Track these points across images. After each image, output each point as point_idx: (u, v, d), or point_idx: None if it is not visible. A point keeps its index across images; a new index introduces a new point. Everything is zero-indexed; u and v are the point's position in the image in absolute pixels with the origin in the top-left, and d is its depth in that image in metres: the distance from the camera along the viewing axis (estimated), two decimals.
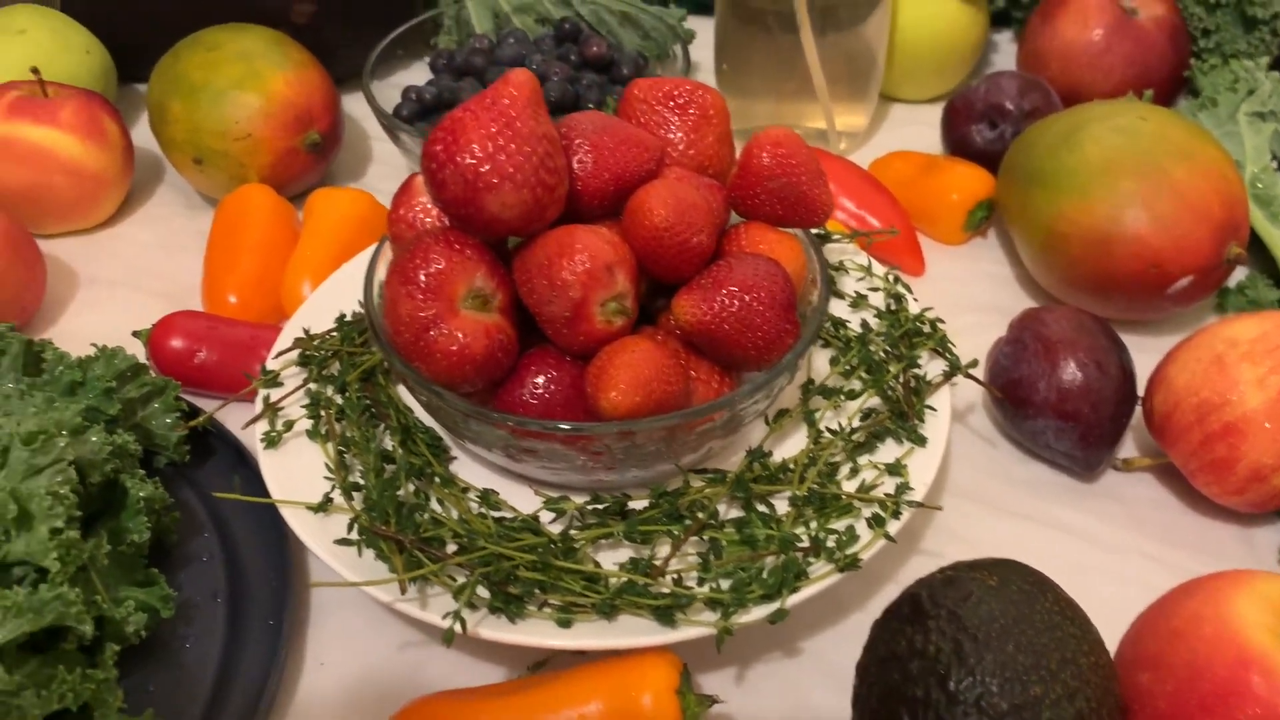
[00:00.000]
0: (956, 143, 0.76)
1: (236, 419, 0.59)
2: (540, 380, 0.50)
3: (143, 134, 0.82)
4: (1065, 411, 0.56)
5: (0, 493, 0.45)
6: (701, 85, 0.55)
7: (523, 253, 0.49)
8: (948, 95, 0.87)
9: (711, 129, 0.55)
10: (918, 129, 0.85)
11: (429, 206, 0.52)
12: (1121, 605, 0.49)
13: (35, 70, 0.73)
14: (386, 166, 0.83)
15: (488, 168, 0.46)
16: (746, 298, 0.48)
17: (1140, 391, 0.59)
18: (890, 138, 0.85)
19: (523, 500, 0.52)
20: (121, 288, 0.73)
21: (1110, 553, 0.56)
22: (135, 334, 0.64)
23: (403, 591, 0.46)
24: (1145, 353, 0.62)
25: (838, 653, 0.51)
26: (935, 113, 0.85)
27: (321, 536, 0.49)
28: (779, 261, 0.51)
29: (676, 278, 0.50)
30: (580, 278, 0.47)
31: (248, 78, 0.72)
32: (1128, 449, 0.61)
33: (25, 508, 0.45)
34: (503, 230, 0.48)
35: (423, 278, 0.47)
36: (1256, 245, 0.69)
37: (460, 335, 0.47)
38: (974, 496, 0.58)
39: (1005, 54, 0.94)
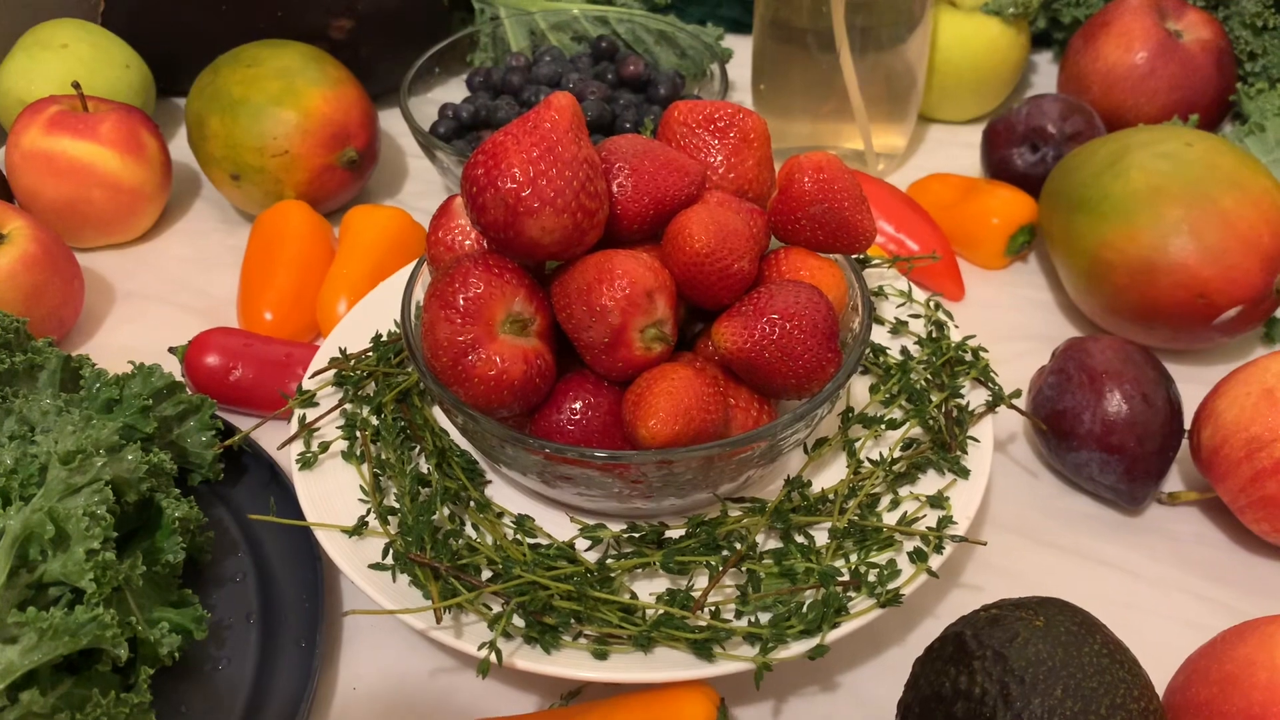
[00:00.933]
0: (997, 165, 0.76)
1: (271, 438, 0.59)
2: (578, 405, 0.49)
3: (180, 148, 0.82)
4: (1110, 444, 0.55)
5: (38, 513, 0.45)
6: (742, 109, 0.54)
7: (562, 277, 0.49)
8: (987, 116, 0.86)
9: (752, 153, 0.55)
10: (956, 150, 0.84)
11: (468, 229, 0.51)
12: (1168, 644, 0.48)
13: (76, 85, 0.73)
14: (422, 184, 0.83)
15: (529, 192, 0.45)
16: (788, 325, 0.47)
17: (1187, 424, 0.57)
18: (928, 159, 0.84)
19: (558, 527, 0.51)
20: (157, 302, 0.73)
21: (1155, 589, 0.54)
22: (171, 350, 0.64)
23: (438, 620, 0.45)
24: (1191, 383, 0.60)
25: (876, 688, 0.50)
26: (974, 134, 0.84)
27: (355, 560, 0.49)
28: (820, 289, 0.50)
29: (716, 304, 0.50)
30: (620, 304, 0.46)
31: (286, 94, 0.72)
32: (1173, 483, 0.60)
33: (62, 528, 0.45)
34: (542, 254, 0.47)
35: (462, 301, 0.47)
36: None
37: (498, 360, 0.47)
38: (1015, 529, 0.57)
39: (1045, 75, 0.93)
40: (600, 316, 0.47)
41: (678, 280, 0.49)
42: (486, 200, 0.46)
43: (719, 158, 0.54)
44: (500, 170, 0.45)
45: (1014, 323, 0.69)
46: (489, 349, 0.47)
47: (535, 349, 0.48)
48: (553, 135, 0.46)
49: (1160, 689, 0.45)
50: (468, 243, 0.51)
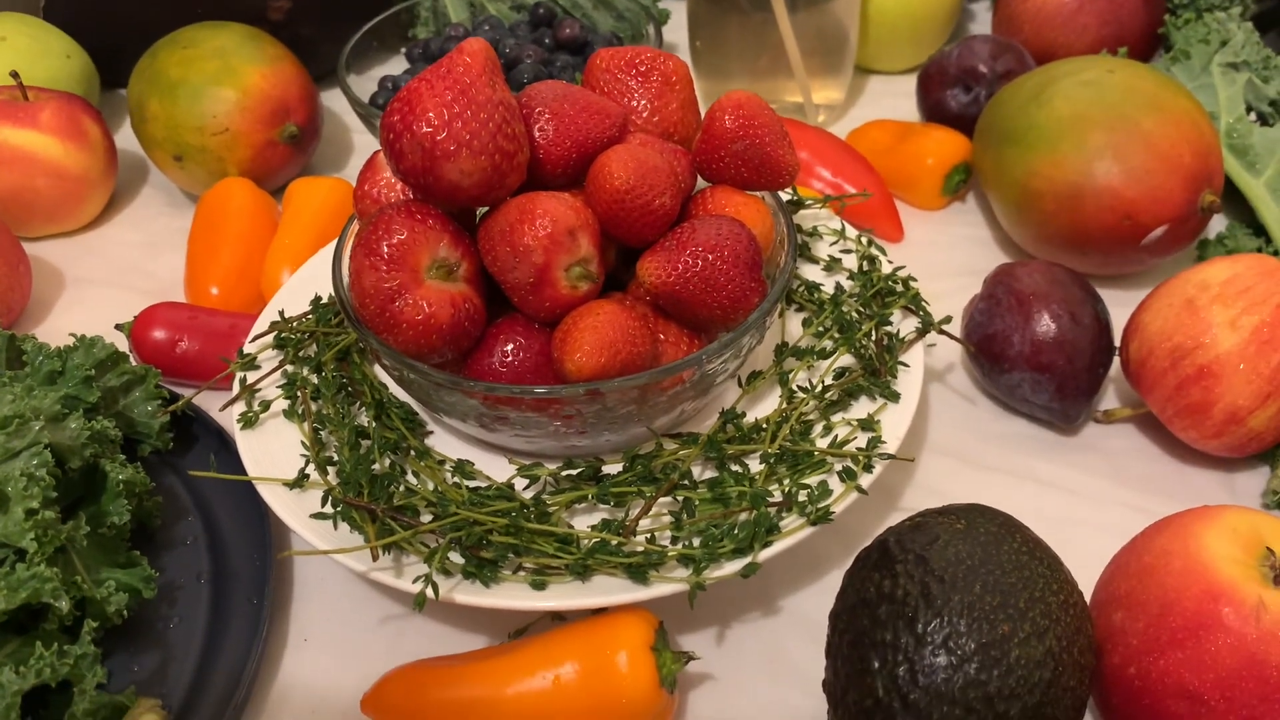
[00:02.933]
0: (932, 108, 0.76)
1: (218, 405, 0.60)
2: (509, 348, 0.50)
3: (126, 138, 0.83)
4: (1041, 363, 0.56)
5: None
6: (663, 53, 0.55)
7: (485, 221, 0.49)
8: (924, 65, 0.87)
9: (675, 95, 0.55)
10: (895, 100, 0.85)
11: (392, 181, 0.52)
12: (1104, 555, 0.49)
13: (15, 74, 0.74)
14: (366, 157, 0.83)
15: (444, 135, 0.46)
16: (710, 257, 0.48)
17: (1118, 343, 0.58)
18: (868, 110, 0.85)
19: (498, 470, 0.52)
20: (107, 287, 0.74)
21: (1092, 504, 0.55)
22: (118, 327, 0.64)
23: (375, 559, 0.46)
24: (1126, 307, 0.61)
25: (816, 609, 0.51)
26: (913, 83, 0.85)
27: (298, 512, 0.49)
28: (744, 222, 0.51)
29: (640, 241, 0.50)
30: (542, 242, 0.47)
31: (224, 73, 0.73)
32: (1109, 401, 0.61)
33: (1, 490, 0.46)
34: (463, 199, 0.48)
35: (385, 249, 0.47)
36: (1235, 196, 0.68)
37: (425, 305, 0.47)
38: (954, 454, 0.58)
39: (982, 23, 0.94)
40: (524, 256, 0.47)
41: (601, 219, 0.50)
42: (404, 146, 0.46)
43: (642, 102, 0.55)
44: (415, 115, 0.46)
45: (953, 260, 0.70)
46: (415, 294, 0.47)
47: (462, 293, 0.49)
48: (466, 79, 0.47)
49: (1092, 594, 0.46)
50: (394, 195, 0.52)
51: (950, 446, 0.58)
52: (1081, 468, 0.57)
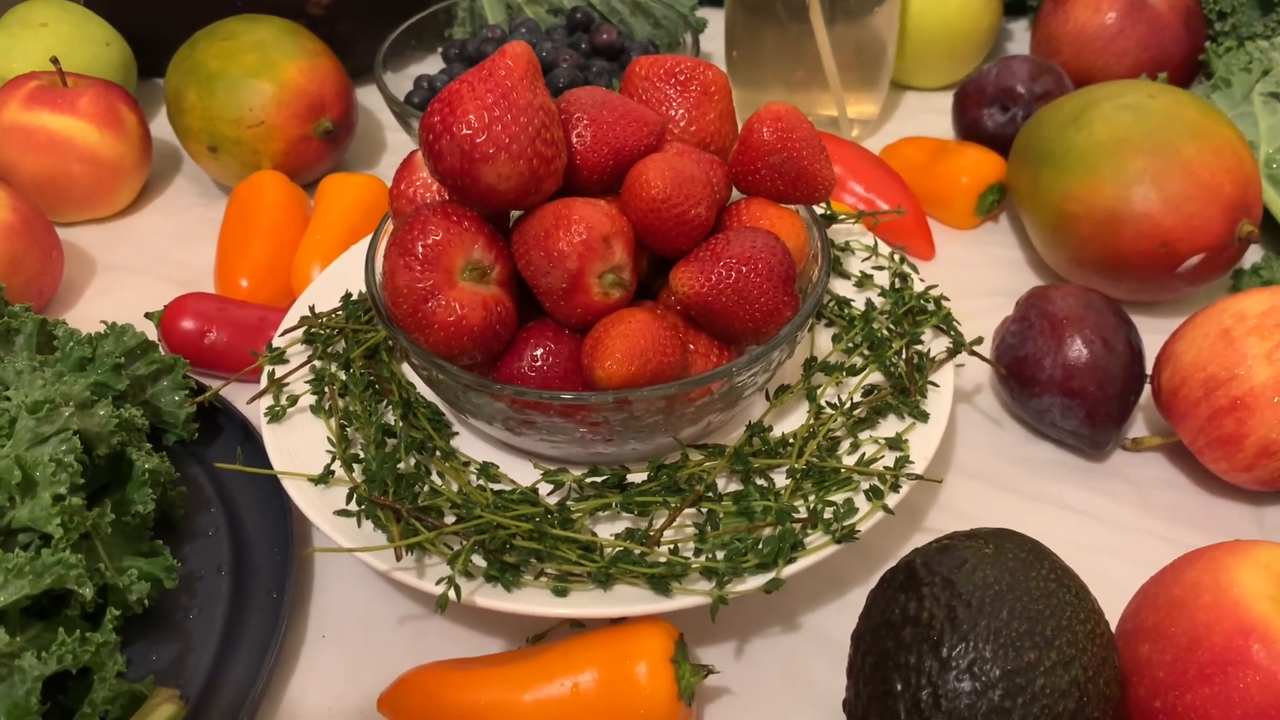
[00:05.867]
0: (968, 127, 0.76)
1: (245, 398, 0.60)
2: (539, 353, 0.50)
3: (162, 126, 0.83)
4: (1071, 389, 0.55)
5: (5, 460, 0.46)
6: (703, 62, 0.55)
7: (520, 225, 0.49)
8: (959, 83, 0.87)
9: (713, 105, 0.55)
10: (930, 116, 0.85)
11: (429, 181, 0.52)
12: (1129, 584, 0.48)
13: (55, 60, 0.74)
14: (399, 155, 0.84)
15: (484, 138, 0.46)
16: (744, 269, 0.48)
17: (1149, 371, 0.58)
18: (903, 125, 0.85)
19: (523, 474, 0.52)
20: (138, 274, 0.74)
21: (1119, 532, 0.55)
22: (147, 315, 0.64)
23: (398, 558, 0.46)
24: (1159, 334, 0.61)
25: (837, 627, 0.51)
26: (948, 100, 0.85)
27: (322, 508, 0.49)
28: (779, 236, 0.51)
29: (675, 251, 0.50)
30: (577, 248, 0.47)
31: (262, 66, 0.73)
32: (1138, 429, 0.60)
33: (29, 475, 0.46)
34: (500, 202, 0.48)
35: (420, 249, 0.47)
36: (1273, 227, 0.68)
37: (458, 306, 0.47)
38: (980, 476, 0.58)
39: (1020, 42, 0.93)
40: (558, 262, 0.47)
41: (636, 227, 0.49)
42: (443, 147, 0.47)
43: (680, 110, 0.55)
44: (456, 117, 0.46)
45: (985, 279, 0.70)
46: (448, 295, 0.47)
47: (495, 296, 0.49)
48: (507, 82, 0.47)
49: (1118, 624, 0.45)
50: (429, 195, 0.52)
51: (976, 468, 0.58)
52: (1108, 495, 0.57)
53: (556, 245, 0.47)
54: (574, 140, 0.51)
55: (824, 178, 0.54)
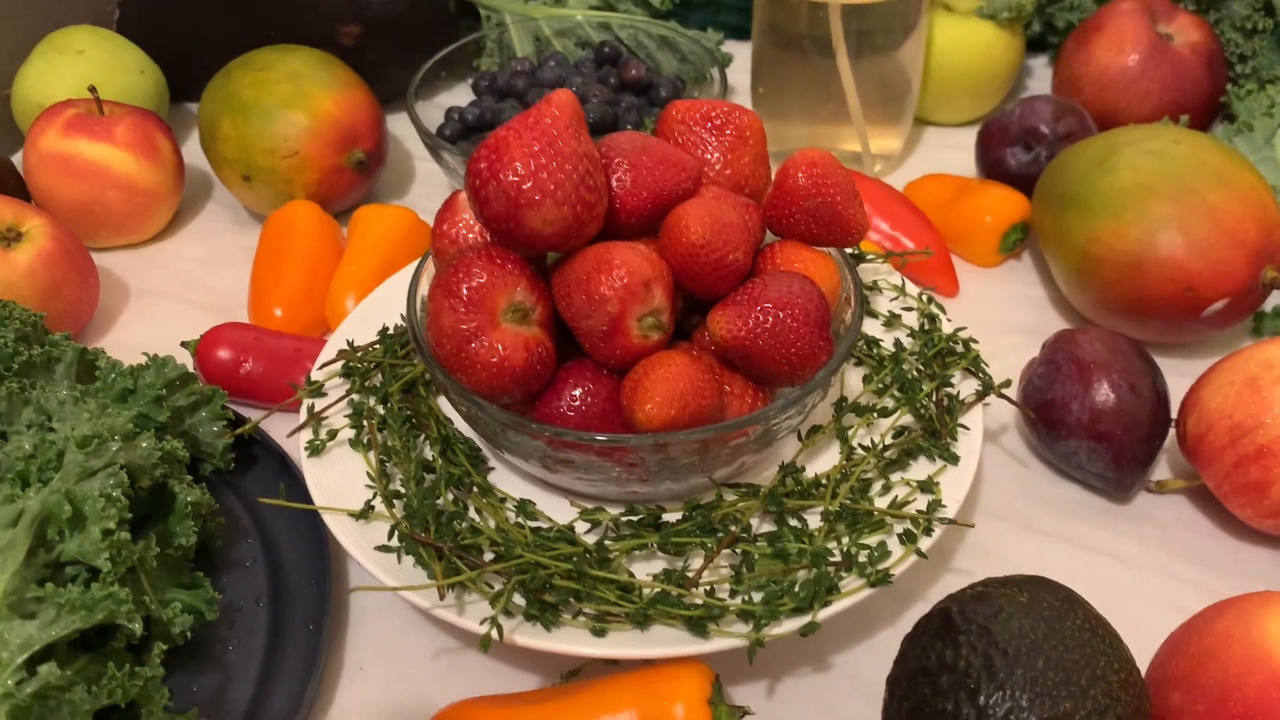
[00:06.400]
0: (991, 166, 0.77)
1: (280, 428, 0.61)
2: (577, 393, 0.51)
3: (191, 151, 0.84)
4: (1098, 433, 0.56)
5: (56, 494, 0.46)
6: (739, 107, 0.56)
7: (562, 268, 0.50)
8: (982, 119, 0.88)
9: (748, 149, 0.56)
10: (952, 152, 0.86)
11: (471, 222, 0.53)
12: (1153, 627, 0.49)
13: (92, 89, 0.75)
14: (428, 185, 0.85)
15: (530, 185, 0.47)
16: (781, 314, 0.49)
17: (1174, 414, 0.59)
18: (925, 161, 0.86)
19: (559, 511, 0.53)
20: (170, 300, 0.75)
21: (1142, 574, 0.56)
22: (184, 344, 0.65)
23: (441, 597, 0.47)
24: (1180, 376, 0.62)
25: (868, 668, 0.51)
26: (970, 136, 0.86)
27: (362, 543, 0.50)
28: (814, 280, 0.52)
29: (712, 294, 0.51)
30: (618, 292, 0.48)
31: (296, 97, 0.74)
32: (1161, 471, 0.61)
33: (79, 509, 0.47)
34: (543, 246, 0.49)
35: (465, 291, 0.48)
36: None
37: (500, 348, 0.48)
38: (1006, 516, 0.58)
39: (1041, 79, 0.94)
40: (599, 305, 0.48)
41: (674, 271, 0.50)
42: (489, 193, 0.47)
43: (716, 154, 0.56)
44: (503, 164, 0.47)
45: (1008, 318, 0.71)
46: (491, 337, 0.48)
47: (536, 337, 0.50)
48: (553, 130, 0.48)
49: (1144, 667, 0.46)
50: (471, 236, 0.53)
51: (1002, 508, 0.59)
52: (1132, 537, 0.58)
53: (598, 289, 0.48)
54: (614, 184, 0.51)
55: (857, 222, 0.55)
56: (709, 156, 0.56)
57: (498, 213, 0.48)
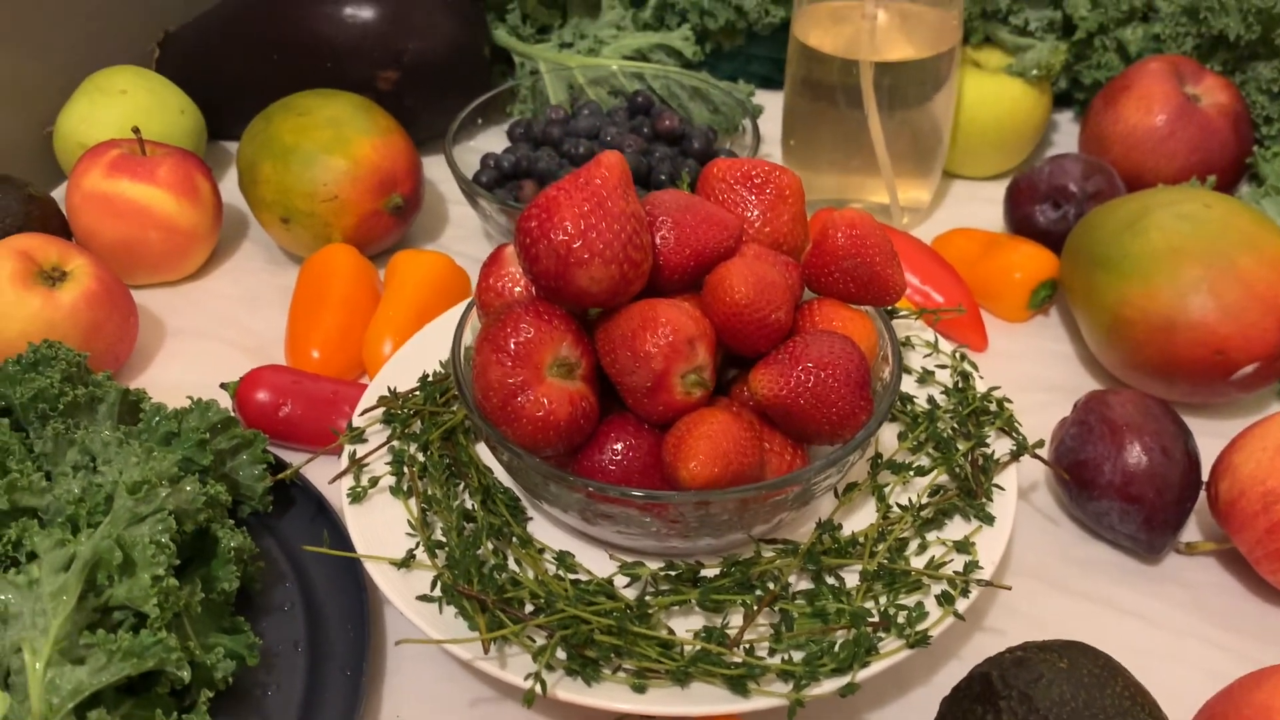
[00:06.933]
0: (1020, 222, 0.78)
1: (316, 472, 0.61)
2: (619, 447, 0.51)
3: (227, 190, 0.85)
4: (1130, 494, 0.57)
5: (107, 540, 0.47)
6: (778, 166, 0.57)
7: (606, 324, 0.51)
8: (1008, 173, 0.89)
9: (787, 208, 0.57)
10: (979, 205, 0.87)
11: (517, 276, 0.54)
12: (1184, 691, 0.50)
13: (136, 130, 0.77)
14: (461, 229, 0.86)
15: (579, 244, 0.48)
16: (822, 374, 0.50)
17: (1204, 477, 0.59)
18: (951, 213, 0.87)
19: (597, 563, 0.53)
20: (206, 339, 0.76)
21: (1173, 637, 0.56)
22: (223, 386, 0.66)
23: (485, 651, 0.47)
24: (1209, 437, 0.62)
25: None
26: (996, 189, 0.87)
27: (404, 591, 0.51)
28: (853, 339, 0.52)
29: (753, 352, 0.52)
30: (663, 350, 0.49)
31: (337, 142, 0.75)
32: (1191, 532, 0.61)
33: (129, 555, 0.47)
34: (590, 302, 0.50)
35: (512, 345, 0.49)
36: None
37: (546, 401, 0.49)
38: (1036, 574, 0.59)
39: (1065, 133, 0.95)
40: (644, 362, 0.49)
41: (717, 329, 0.51)
42: (539, 251, 0.48)
43: (755, 212, 0.57)
44: (553, 223, 0.48)
45: (1036, 374, 0.71)
46: (537, 391, 0.49)
47: (580, 391, 0.50)
48: (602, 191, 0.49)
49: None
50: (517, 289, 0.54)
51: (1033, 567, 0.59)
52: (1162, 598, 0.58)
53: (643, 346, 0.49)
54: (657, 241, 0.52)
55: (896, 283, 0.55)
56: (749, 214, 0.57)
57: (547, 270, 0.49)
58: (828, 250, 0.55)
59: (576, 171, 0.49)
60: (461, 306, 0.67)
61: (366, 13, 0.86)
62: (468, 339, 0.55)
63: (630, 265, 0.49)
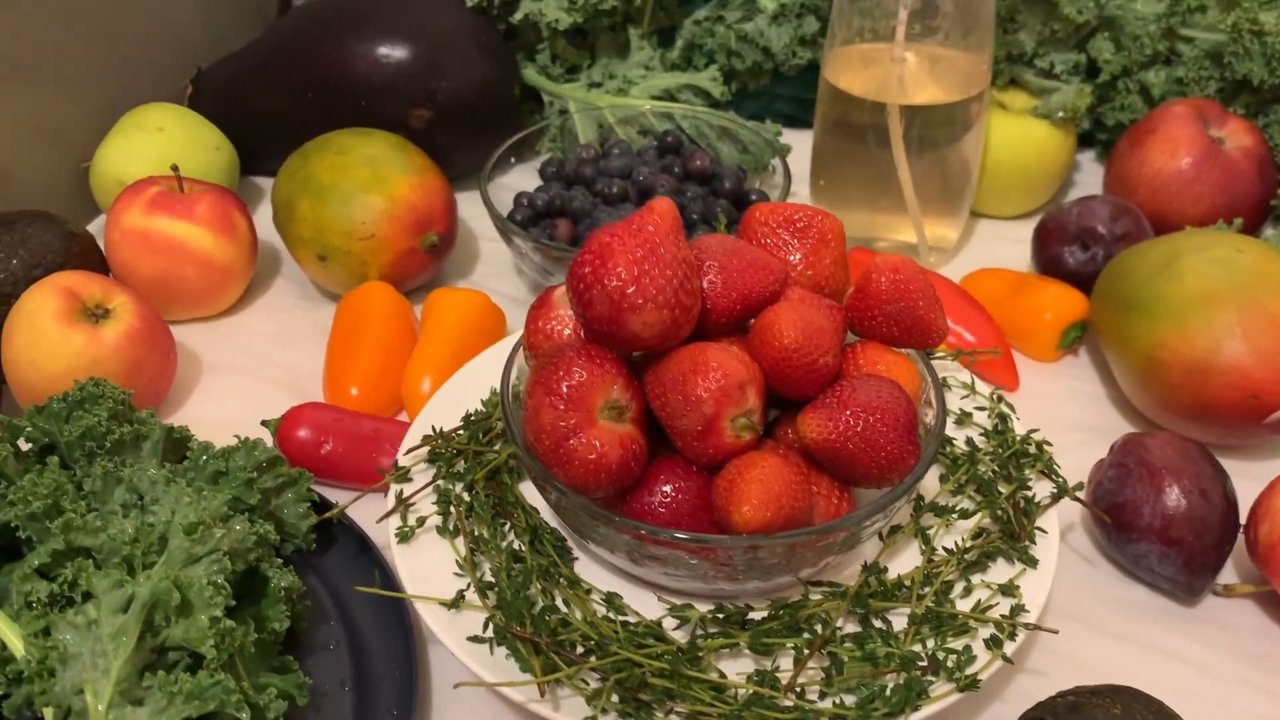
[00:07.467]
0: (1048, 262, 0.79)
1: (356, 508, 0.62)
2: (668, 489, 0.52)
3: (259, 225, 0.86)
4: (1170, 537, 0.57)
5: (165, 581, 0.47)
6: (820, 210, 0.58)
7: (656, 368, 0.52)
8: (1033, 213, 0.90)
9: (829, 251, 0.58)
10: (1004, 245, 0.88)
11: (566, 318, 0.55)
12: None
13: (174, 168, 0.78)
14: (493, 265, 0.87)
15: (633, 289, 0.48)
16: (871, 418, 0.50)
17: (1242, 519, 0.60)
18: (977, 253, 0.88)
19: (643, 604, 0.54)
20: (241, 375, 0.76)
21: (1213, 679, 0.56)
22: (264, 423, 0.67)
23: (541, 695, 0.47)
24: (1242, 478, 0.63)
25: None
26: (1020, 229, 0.88)
27: (454, 632, 0.51)
28: (897, 382, 0.53)
29: (800, 396, 0.53)
30: (714, 394, 0.49)
31: (374, 181, 0.76)
32: (1227, 574, 0.62)
33: (186, 596, 0.48)
34: (641, 346, 0.50)
35: (565, 388, 0.50)
36: None
37: (598, 444, 0.49)
38: (1075, 616, 0.59)
39: (1088, 173, 0.97)
40: (695, 406, 0.50)
41: (766, 373, 0.52)
42: (593, 296, 0.49)
43: (797, 255, 0.58)
44: (607, 269, 0.49)
45: (1068, 414, 0.72)
46: (589, 434, 0.50)
47: (631, 434, 0.51)
48: (655, 238, 0.49)
49: None
50: (566, 331, 0.54)
51: (1072, 608, 0.60)
52: (1200, 640, 0.58)
53: (694, 391, 0.50)
54: (705, 285, 0.53)
55: (938, 326, 0.56)
56: (791, 257, 0.57)
57: (600, 315, 0.49)
58: (871, 294, 0.55)
59: (629, 218, 0.50)
60: (501, 346, 0.68)
61: (400, 52, 0.87)
62: (514, 379, 0.56)
63: (682, 310, 0.50)
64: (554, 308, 0.55)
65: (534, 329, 0.55)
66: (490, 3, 0.91)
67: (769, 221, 0.58)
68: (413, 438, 0.61)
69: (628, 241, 0.49)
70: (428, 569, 0.55)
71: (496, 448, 0.60)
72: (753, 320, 0.54)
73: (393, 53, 0.87)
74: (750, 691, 0.48)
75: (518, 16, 0.92)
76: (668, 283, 0.49)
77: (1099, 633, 0.59)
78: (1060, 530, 0.63)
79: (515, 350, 0.57)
